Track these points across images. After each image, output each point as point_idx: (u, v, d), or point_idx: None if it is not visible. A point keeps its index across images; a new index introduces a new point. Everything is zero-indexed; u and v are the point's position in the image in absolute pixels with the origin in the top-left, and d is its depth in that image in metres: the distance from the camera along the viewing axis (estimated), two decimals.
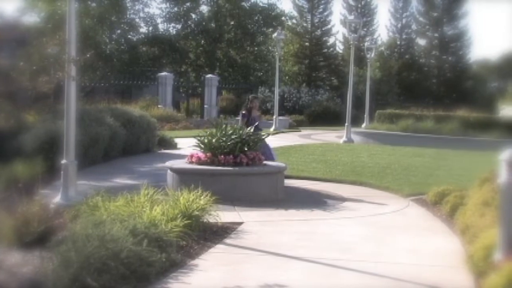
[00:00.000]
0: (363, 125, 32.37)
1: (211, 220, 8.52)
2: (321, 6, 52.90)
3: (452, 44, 56.22)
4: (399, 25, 58.00)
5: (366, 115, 33.72)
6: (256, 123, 13.16)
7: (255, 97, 14.56)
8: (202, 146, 11.48)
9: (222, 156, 11.10)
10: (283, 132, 30.23)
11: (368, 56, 36.78)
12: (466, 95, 51.78)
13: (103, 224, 6.76)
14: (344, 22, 48.67)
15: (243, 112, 13.72)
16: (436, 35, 56.47)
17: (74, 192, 9.36)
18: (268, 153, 12.86)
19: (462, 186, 10.77)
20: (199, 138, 11.66)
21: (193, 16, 49.40)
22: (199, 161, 11.29)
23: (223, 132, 11.43)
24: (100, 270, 5.77)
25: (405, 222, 9.62)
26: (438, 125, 26.70)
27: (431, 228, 9.24)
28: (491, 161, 8.30)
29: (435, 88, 55.48)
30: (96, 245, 6.01)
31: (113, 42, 43.53)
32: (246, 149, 11.37)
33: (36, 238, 6.75)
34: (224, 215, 8.92)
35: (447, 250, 7.78)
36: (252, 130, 12.28)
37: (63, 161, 9.43)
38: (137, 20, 47.21)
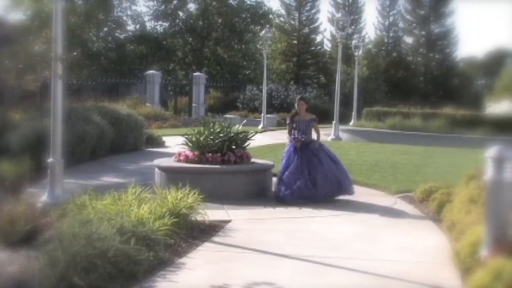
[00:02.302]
0: (351, 123, 32.38)
1: (199, 218, 8.53)
2: (309, 4, 52.86)
3: (439, 42, 56.41)
4: (387, 23, 58.11)
5: (353, 113, 33.76)
6: (300, 138, 11.14)
7: (301, 97, 11.96)
8: (190, 144, 11.48)
9: (210, 154, 11.10)
10: (271, 130, 30.31)
11: (355, 54, 36.81)
12: (453, 93, 52.00)
13: (90, 222, 6.75)
14: (331, 20, 48.88)
15: (288, 117, 11.77)
16: (423, 33, 56.64)
17: (61, 190, 9.32)
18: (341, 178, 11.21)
19: (449, 184, 10.80)
20: (187, 137, 11.65)
21: (181, 14, 49.32)
22: (187, 160, 11.28)
23: (211, 131, 11.43)
24: (87, 269, 5.75)
25: (392, 220, 9.65)
26: (425, 123, 26.78)
27: (418, 225, 9.28)
28: (477, 159, 8.33)
29: (422, 85, 55.66)
30: (83, 244, 6.00)
31: (100, 40, 43.42)
32: (234, 147, 11.37)
33: (23, 237, 6.70)
34: (212, 213, 8.92)
35: (434, 247, 7.82)
36: (297, 138, 11.12)
37: (50, 160, 9.38)
38: (124, 18, 47.16)
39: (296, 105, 11.50)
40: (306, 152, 11.11)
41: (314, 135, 11.52)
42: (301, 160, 11.01)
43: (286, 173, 10.98)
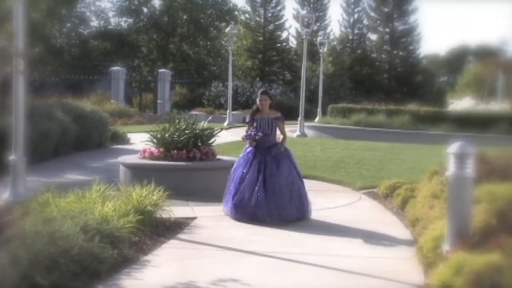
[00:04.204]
0: (316, 119, 32.55)
1: (165, 215, 8.48)
2: (274, 1, 52.98)
3: (402, 39, 57.12)
4: (351, 20, 58.58)
5: (319, 109, 33.93)
6: (254, 135, 9.08)
7: (264, 91, 9.70)
8: (155, 141, 11.41)
9: (175, 151, 11.05)
10: (236, 126, 30.29)
11: (320, 50, 36.99)
12: (416, 89, 52.82)
13: (53, 220, 6.66)
14: (296, 17, 48.94)
15: (248, 115, 9.72)
16: (387, 30, 57.28)
17: (23, 188, 9.18)
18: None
19: (412, 179, 10.93)
20: (152, 133, 11.58)
21: (145, 10, 49.03)
22: (152, 156, 11.21)
23: (177, 127, 11.37)
24: (50, 268, 5.68)
25: (357, 215, 9.73)
26: (389, 119, 27.08)
27: (382, 220, 9.37)
28: (440, 154, 8.46)
29: (386, 82, 56.30)
30: (46, 242, 5.92)
31: (63, 36, 42.84)
32: (199, 144, 11.33)
33: None
34: (177, 210, 8.88)
35: (397, 242, 7.91)
36: (250, 136, 9.12)
37: (12, 157, 9.24)
38: (87, 13, 46.67)
39: (258, 100, 9.37)
40: (265, 158, 9.07)
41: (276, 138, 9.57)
42: (258, 167, 9.02)
43: (238, 184, 9.12)
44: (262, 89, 10.29)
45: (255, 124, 9.28)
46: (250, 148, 9.22)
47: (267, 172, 8.97)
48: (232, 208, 9.10)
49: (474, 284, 4.74)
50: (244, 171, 9.09)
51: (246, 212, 8.93)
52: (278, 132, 9.52)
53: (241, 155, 9.39)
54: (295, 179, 9.13)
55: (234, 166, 9.41)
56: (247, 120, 9.63)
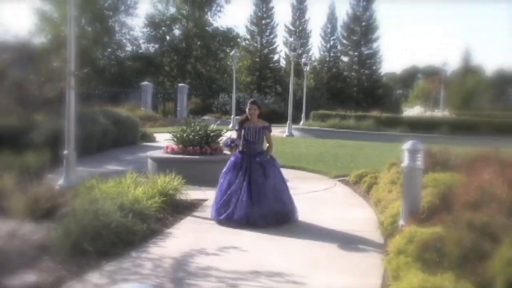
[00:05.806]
0: (301, 123, 32.41)
1: (183, 197, 8.48)
2: (268, 31, 53.01)
3: (368, 61, 56.97)
4: (328, 46, 58.44)
5: (303, 115, 33.75)
6: (233, 144, 7.66)
7: (253, 101, 8.00)
8: (175, 139, 11.42)
9: (191, 147, 11.06)
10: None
11: (304, 69, 36.86)
12: (378, 100, 52.76)
13: (97, 201, 6.67)
14: (286, 43, 48.97)
15: (237, 123, 7.99)
16: (356, 53, 57.15)
17: (74, 176, 9.17)
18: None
19: (375, 170, 10.93)
20: (173, 133, 11.58)
21: (168, 37, 49.05)
22: (173, 151, 11.22)
23: (192, 129, 11.38)
24: (95, 238, 5.70)
25: (333, 198, 9.74)
26: (357, 123, 27.03)
27: (352, 202, 9.38)
28: (397, 150, 8.46)
29: (355, 94, 56.16)
30: (91, 218, 5.93)
31: (105, 58, 42.80)
32: (210, 141, 11.34)
33: (44, 213, 6.61)
34: (192, 194, 8.89)
35: (364, 218, 7.92)
36: (232, 143, 7.66)
37: (65, 152, 9.24)
38: (124, 41, 46.59)
39: (247, 109, 7.81)
40: (251, 164, 7.51)
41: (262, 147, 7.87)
42: (244, 173, 7.47)
43: (223, 194, 7.52)
44: (252, 99, 8.39)
45: (243, 132, 7.73)
46: (238, 154, 7.71)
47: (252, 178, 7.40)
48: (218, 219, 7.42)
49: (422, 250, 4.76)
50: (230, 178, 7.55)
51: (232, 220, 7.27)
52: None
53: (230, 159, 7.80)
54: (280, 185, 7.54)
55: (224, 169, 7.76)
56: (236, 128, 8.00)
